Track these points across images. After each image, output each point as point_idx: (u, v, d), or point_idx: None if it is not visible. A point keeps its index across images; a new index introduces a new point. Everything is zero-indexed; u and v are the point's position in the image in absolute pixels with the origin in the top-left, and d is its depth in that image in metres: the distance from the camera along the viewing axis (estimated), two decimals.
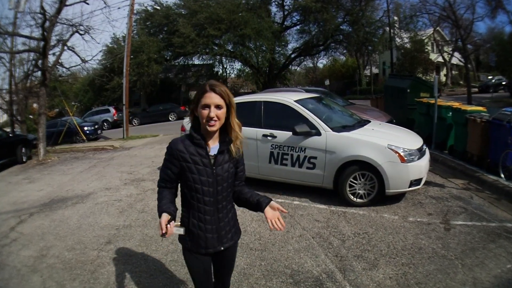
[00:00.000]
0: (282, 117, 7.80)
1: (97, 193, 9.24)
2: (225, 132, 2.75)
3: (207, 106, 2.55)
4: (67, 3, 16.09)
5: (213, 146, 2.73)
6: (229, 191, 2.87)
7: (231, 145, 2.75)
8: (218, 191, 2.74)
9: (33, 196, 9.53)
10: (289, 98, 7.93)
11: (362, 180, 6.90)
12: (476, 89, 37.49)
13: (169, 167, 2.75)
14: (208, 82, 2.64)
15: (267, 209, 2.73)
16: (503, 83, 38.15)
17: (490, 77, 40.53)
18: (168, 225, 2.46)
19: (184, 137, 2.76)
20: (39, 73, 17.65)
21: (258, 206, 2.80)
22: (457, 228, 5.75)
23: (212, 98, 2.55)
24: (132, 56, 28.55)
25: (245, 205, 2.95)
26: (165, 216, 2.50)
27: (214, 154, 2.71)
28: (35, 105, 25.13)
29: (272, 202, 2.76)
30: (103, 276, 5.02)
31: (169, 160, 2.74)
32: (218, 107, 2.57)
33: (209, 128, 2.58)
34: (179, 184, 2.85)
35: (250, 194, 2.90)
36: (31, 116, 27.81)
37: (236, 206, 3.06)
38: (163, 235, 2.43)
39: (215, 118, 2.56)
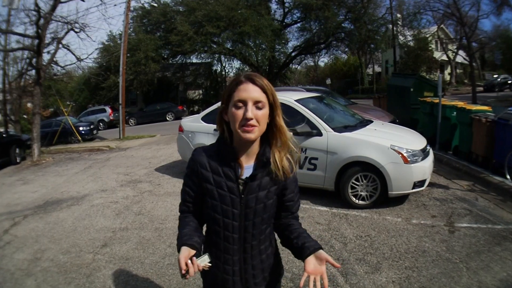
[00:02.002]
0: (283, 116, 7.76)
1: (93, 195, 9.23)
2: (267, 144, 2.03)
3: (243, 102, 1.87)
4: (62, 0, 16.10)
5: (248, 165, 2.04)
6: (265, 227, 2.16)
7: (274, 165, 2.02)
8: (245, 227, 2.08)
9: (27, 198, 9.52)
10: (289, 97, 7.92)
11: (364, 181, 6.90)
12: (481, 88, 37.52)
13: (189, 185, 2.14)
14: (244, 73, 1.99)
15: (310, 260, 1.96)
16: (509, 81, 38.23)
17: (495, 76, 40.57)
18: (189, 262, 1.83)
19: (210, 147, 2.13)
20: (33, 72, 17.70)
21: (300, 252, 2.04)
22: (462, 230, 5.76)
23: (250, 91, 1.87)
24: (128, 54, 28.60)
25: (288, 246, 2.22)
26: (185, 251, 1.88)
27: (246, 178, 2.02)
28: (29, 105, 25.18)
29: (320, 251, 1.98)
30: (98, 280, 5.01)
31: (189, 175, 2.14)
32: (258, 104, 1.88)
33: (244, 136, 1.88)
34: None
35: (297, 233, 2.15)
36: (25, 116, 27.87)
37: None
38: (183, 275, 1.82)
39: (254, 122, 1.86)
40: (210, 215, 2.08)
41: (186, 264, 1.82)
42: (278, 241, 2.34)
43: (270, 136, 2.02)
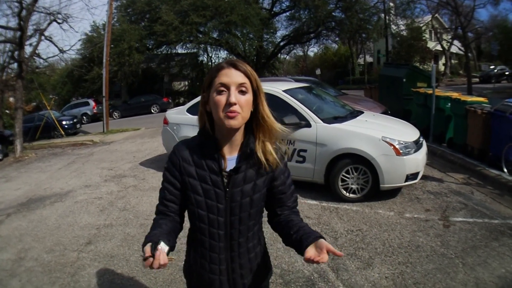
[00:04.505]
0: (270, 107, 7.73)
1: (77, 191, 9.21)
2: (251, 134, 1.95)
3: (225, 86, 1.78)
4: None
5: (231, 157, 1.96)
6: (253, 223, 2.08)
7: (260, 155, 1.94)
8: (231, 222, 1.99)
9: (10, 196, 9.47)
10: (277, 87, 7.90)
11: (355, 174, 6.91)
12: (477, 79, 37.73)
13: (170, 181, 2.01)
14: (226, 60, 1.91)
15: (309, 249, 1.75)
16: (506, 73, 38.40)
17: (492, 67, 40.77)
18: (157, 252, 1.61)
19: (191, 141, 2.03)
20: (15, 65, 17.60)
21: (299, 246, 1.85)
22: (457, 225, 5.79)
23: (233, 75, 1.79)
24: (112, 45, 28.40)
25: (289, 244, 2.02)
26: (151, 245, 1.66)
27: (230, 170, 1.93)
28: (11, 99, 24.97)
29: (321, 240, 1.76)
30: (83, 278, 5.00)
31: (169, 170, 2.02)
32: (241, 89, 1.80)
33: (228, 123, 1.78)
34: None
35: (297, 227, 1.97)
36: (7, 111, 27.65)
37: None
38: (146, 259, 1.59)
39: (237, 108, 1.77)
40: (194, 212, 1.99)
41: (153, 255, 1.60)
42: (267, 239, 2.30)
43: (254, 125, 1.94)
